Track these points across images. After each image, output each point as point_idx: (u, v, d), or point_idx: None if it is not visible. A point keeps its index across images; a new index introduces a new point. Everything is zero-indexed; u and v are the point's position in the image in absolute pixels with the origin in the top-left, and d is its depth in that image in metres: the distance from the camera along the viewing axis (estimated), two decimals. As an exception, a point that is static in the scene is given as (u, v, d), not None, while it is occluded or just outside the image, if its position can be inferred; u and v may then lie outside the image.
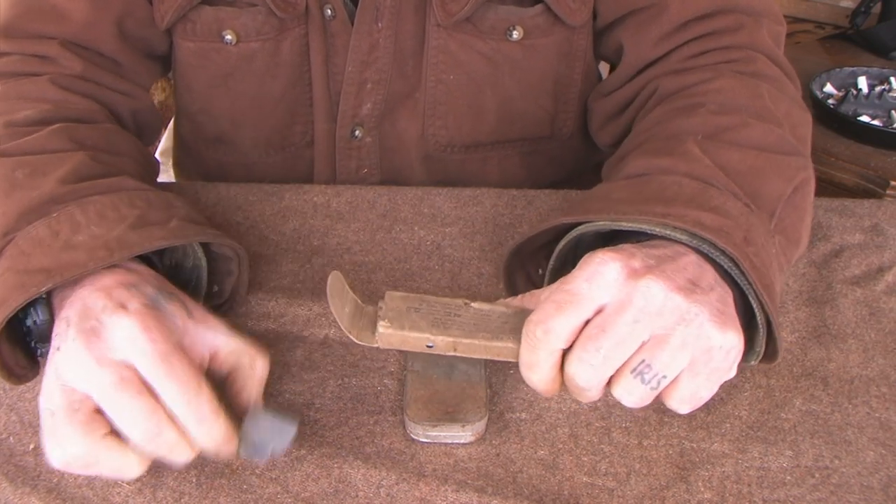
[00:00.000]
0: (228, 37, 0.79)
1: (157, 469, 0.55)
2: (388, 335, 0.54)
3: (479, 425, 0.57)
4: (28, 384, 0.61)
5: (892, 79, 1.42)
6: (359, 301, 0.57)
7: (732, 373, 0.52)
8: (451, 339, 0.54)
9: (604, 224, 0.56)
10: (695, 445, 0.57)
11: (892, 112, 1.36)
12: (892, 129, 1.31)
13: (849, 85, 1.42)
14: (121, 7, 0.76)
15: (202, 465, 0.55)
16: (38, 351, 0.57)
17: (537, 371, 0.52)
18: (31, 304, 0.55)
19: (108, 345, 0.48)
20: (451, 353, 0.54)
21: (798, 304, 0.69)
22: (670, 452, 0.57)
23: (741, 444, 0.58)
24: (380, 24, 0.79)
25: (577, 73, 0.86)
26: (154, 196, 0.61)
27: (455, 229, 0.77)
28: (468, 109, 0.84)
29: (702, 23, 0.75)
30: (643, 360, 0.49)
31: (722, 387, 0.61)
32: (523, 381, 0.61)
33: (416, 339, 0.54)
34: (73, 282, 0.53)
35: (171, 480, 0.55)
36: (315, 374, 0.62)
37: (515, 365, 0.63)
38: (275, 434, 0.53)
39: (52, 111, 0.68)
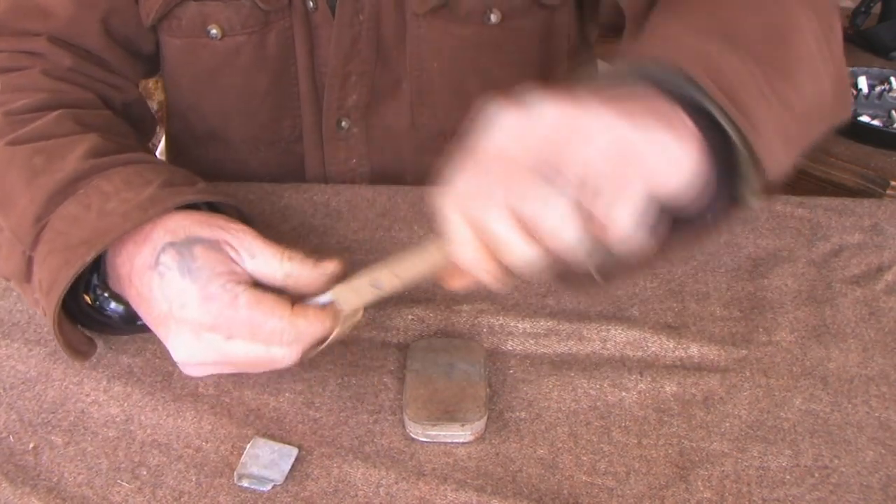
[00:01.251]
0: (213, 31, 0.79)
1: (157, 469, 0.55)
2: (338, 292, 0.55)
3: (479, 425, 0.57)
4: (27, 384, 0.61)
5: (892, 79, 1.42)
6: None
7: (678, 180, 0.46)
8: (387, 269, 0.54)
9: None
10: (694, 445, 0.57)
11: (892, 112, 1.36)
12: (892, 129, 1.31)
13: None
14: (106, 5, 0.76)
15: (202, 464, 0.55)
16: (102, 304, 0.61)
17: (463, 240, 0.47)
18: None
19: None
20: (396, 282, 0.54)
21: (798, 303, 0.69)
22: (670, 452, 0.57)
23: (741, 443, 0.58)
24: (361, 17, 0.79)
25: (561, 52, 0.85)
26: (174, 167, 0.62)
27: (455, 229, 0.77)
28: (455, 96, 0.84)
29: None
30: (549, 167, 0.44)
31: (722, 386, 0.61)
32: (523, 381, 0.62)
33: (362, 284, 0.55)
34: (116, 251, 0.56)
35: (171, 480, 0.55)
36: (315, 373, 0.62)
37: (515, 364, 0.63)
38: (275, 463, 0.54)
39: (49, 99, 0.69)
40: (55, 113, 0.66)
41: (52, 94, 0.70)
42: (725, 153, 0.49)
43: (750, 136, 0.48)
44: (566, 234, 0.44)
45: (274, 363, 0.54)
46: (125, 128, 0.72)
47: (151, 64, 0.86)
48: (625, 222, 0.44)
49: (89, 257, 0.54)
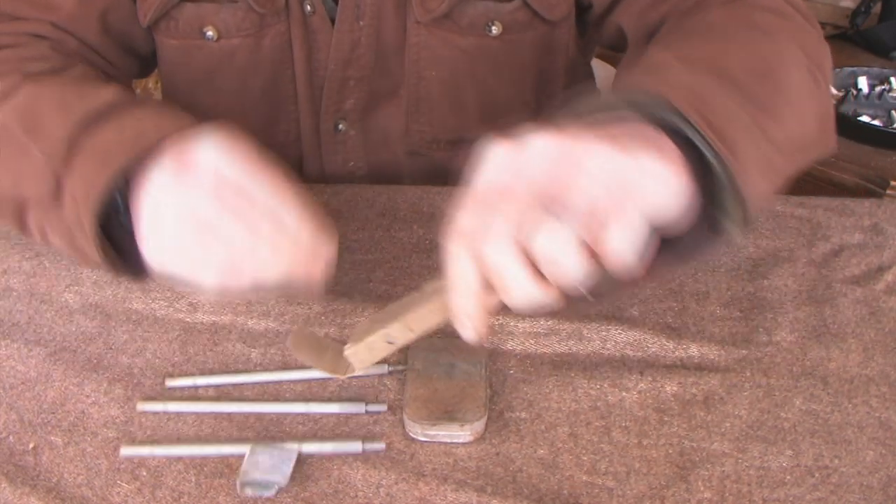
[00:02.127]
0: (209, 33, 0.80)
1: (157, 469, 0.55)
2: (353, 353, 0.55)
3: (478, 425, 0.57)
4: (27, 384, 0.61)
5: (892, 79, 1.42)
6: (327, 341, 0.59)
7: (670, 204, 0.47)
8: (399, 323, 0.53)
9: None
10: (694, 445, 0.57)
11: (892, 112, 1.36)
12: (892, 129, 1.31)
13: (849, 85, 1.42)
14: (105, 1, 0.77)
15: (201, 465, 0.55)
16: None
17: (466, 277, 0.47)
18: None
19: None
20: (410, 335, 0.53)
21: (798, 303, 0.69)
22: (670, 452, 0.57)
23: (741, 443, 0.58)
24: (361, 23, 0.79)
25: (559, 67, 0.85)
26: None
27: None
28: (451, 105, 0.84)
29: None
30: (549, 200, 0.45)
31: (722, 386, 0.61)
32: (523, 381, 0.61)
33: (376, 340, 0.54)
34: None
35: (171, 480, 0.55)
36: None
37: (515, 364, 0.63)
38: (276, 468, 0.54)
39: (62, 67, 0.70)
40: (78, 67, 0.68)
41: (63, 64, 0.71)
42: (708, 183, 0.50)
43: (732, 166, 0.49)
44: (572, 264, 0.45)
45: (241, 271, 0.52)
46: None
47: (147, 63, 0.86)
48: (624, 249, 0.45)
49: (126, 159, 0.53)
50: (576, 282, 0.46)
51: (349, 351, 0.55)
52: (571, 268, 0.45)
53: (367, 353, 0.55)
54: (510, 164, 0.47)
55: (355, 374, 0.57)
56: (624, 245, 0.45)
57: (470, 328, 0.49)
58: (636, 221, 0.45)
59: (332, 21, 0.79)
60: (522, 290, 0.46)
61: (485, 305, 0.48)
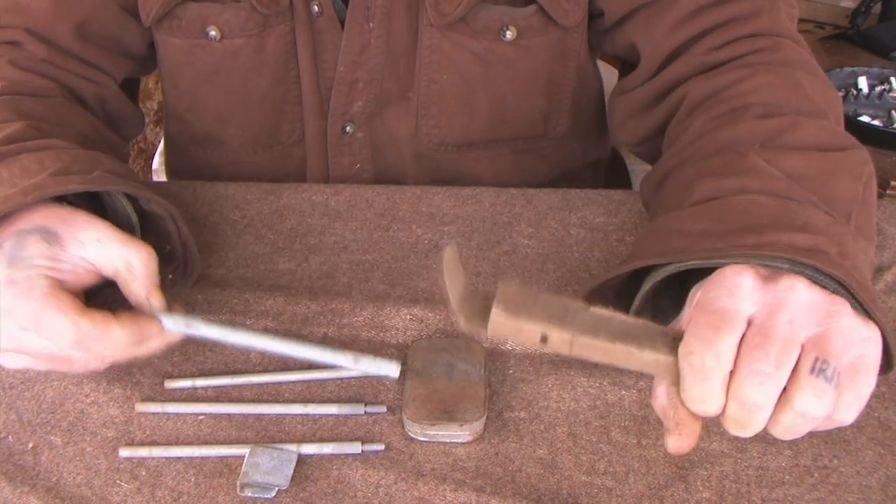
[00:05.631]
0: (213, 33, 0.79)
1: (156, 469, 0.55)
2: (500, 323, 0.48)
3: (478, 424, 0.57)
4: (26, 384, 0.61)
5: (892, 79, 1.42)
6: (469, 284, 0.51)
7: (877, 369, 0.48)
8: (568, 336, 0.48)
9: (699, 263, 0.52)
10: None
11: (892, 112, 1.36)
12: (892, 129, 1.31)
13: (849, 85, 1.42)
14: (85, 12, 0.76)
15: (201, 465, 0.55)
16: None
17: (711, 401, 0.46)
18: None
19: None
20: (565, 353, 0.48)
21: (797, 303, 0.69)
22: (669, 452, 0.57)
23: (740, 443, 0.58)
24: (371, 24, 0.79)
25: (570, 72, 0.85)
26: (82, 153, 0.62)
27: (453, 228, 0.77)
28: (461, 108, 0.84)
29: (717, 9, 0.73)
30: (816, 358, 0.45)
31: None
32: (522, 381, 0.61)
33: (531, 331, 0.48)
34: None
35: (170, 480, 0.55)
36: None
37: (515, 364, 0.63)
38: (276, 470, 0.54)
39: (5, 87, 0.69)
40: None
41: (10, 83, 0.70)
42: None
43: (884, 328, 0.49)
44: (819, 413, 0.45)
45: (71, 364, 0.55)
46: (75, 118, 0.72)
47: (142, 62, 0.86)
48: (860, 405, 0.46)
49: None
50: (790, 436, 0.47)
51: (496, 315, 0.48)
52: (810, 426, 0.46)
53: (511, 331, 0.48)
54: (762, 298, 0.46)
55: (482, 335, 0.51)
56: (851, 413, 0.46)
57: (681, 435, 0.48)
58: (864, 389, 0.46)
59: (341, 22, 0.79)
60: (757, 429, 0.46)
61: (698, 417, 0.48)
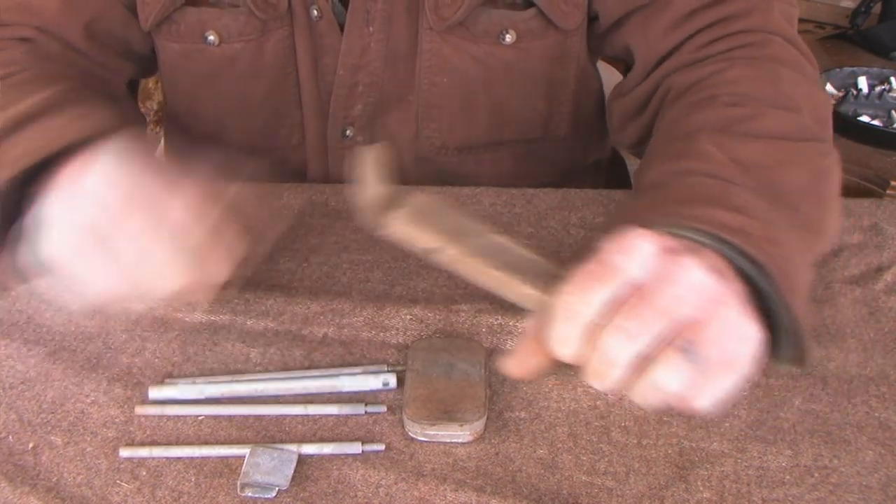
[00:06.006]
0: (211, 38, 0.79)
1: (157, 469, 0.55)
2: (398, 227, 0.51)
3: (478, 425, 0.57)
4: (27, 384, 0.61)
5: (892, 79, 1.42)
6: (394, 187, 0.53)
7: (748, 370, 0.49)
8: (457, 253, 0.49)
9: None
10: (694, 445, 0.57)
11: (892, 112, 1.36)
12: (892, 129, 1.31)
13: (849, 85, 1.42)
14: (92, 11, 0.77)
15: (201, 465, 0.56)
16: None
17: (569, 344, 0.47)
18: None
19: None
20: (455, 270, 0.50)
21: (797, 303, 0.69)
22: (669, 452, 0.57)
23: (740, 443, 0.58)
24: (371, 28, 0.79)
25: (570, 74, 0.85)
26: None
27: (454, 229, 0.77)
28: (461, 112, 0.84)
29: (710, 10, 0.73)
30: (686, 338, 0.45)
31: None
32: (522, 381, 0.61)
33: (426, 241, 0.50)
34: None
35: (170, 480, 0.55)
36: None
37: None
38: (276, 470, 0.54)
39: (19, 71, 0.69)
40: (31, 71, 0.68)
41: (23, 69, 0.70)
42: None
43: (796, 311, 0.50)
44: (672, 388, 0.45)
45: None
46: (102, 103, 0.71)
47: (146, 64, 0.86)
48: (717, 397, 0.46)
49: (24, 164, 0.54)
50: (658, 401, 0.47)
51: (395, 218, 0.51)
52: (662, 399, 0.46)
53: (409, 237, 0.51)
54: (656, 266, 0.46)
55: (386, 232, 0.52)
56: (721, 395, 0.46)
57: (520, 362, 0.49)
58: (741, 377, 0.46)
59: (340, 26, 0.79)
60: (611, 384, 0.46)
61: (551, 356, 0.48)
